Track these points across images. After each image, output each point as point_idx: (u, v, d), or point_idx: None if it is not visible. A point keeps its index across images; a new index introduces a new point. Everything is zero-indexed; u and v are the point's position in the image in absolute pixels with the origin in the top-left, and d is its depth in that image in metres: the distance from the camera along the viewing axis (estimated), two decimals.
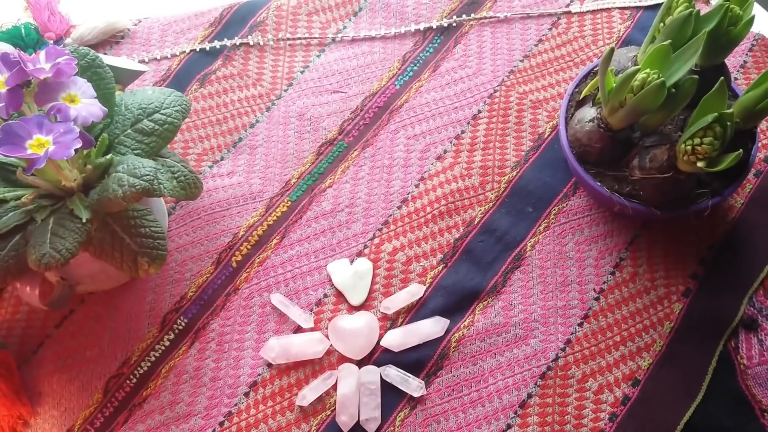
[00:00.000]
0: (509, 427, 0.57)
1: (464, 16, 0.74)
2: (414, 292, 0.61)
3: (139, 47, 0.73)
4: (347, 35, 0.74)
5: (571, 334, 0.60)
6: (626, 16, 0.74)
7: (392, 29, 0.74)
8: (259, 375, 0.59)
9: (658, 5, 0.74)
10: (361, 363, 0.59)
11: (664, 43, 0.52)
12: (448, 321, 0.60)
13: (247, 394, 0.59)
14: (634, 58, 0.59)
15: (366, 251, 0.64)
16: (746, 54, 0.72)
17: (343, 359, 0.59)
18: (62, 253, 0.46)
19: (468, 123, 0.69)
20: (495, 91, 0.71)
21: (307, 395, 0.57)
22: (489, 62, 0.72)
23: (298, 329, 0.61)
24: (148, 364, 0.60)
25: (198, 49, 0.72)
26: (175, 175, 0.53)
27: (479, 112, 0.70)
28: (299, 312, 0.60)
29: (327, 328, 0.60)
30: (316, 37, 0.73)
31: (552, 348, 0.60)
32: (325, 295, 0.62)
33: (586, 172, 0.58)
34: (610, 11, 0.74)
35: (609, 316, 0.61)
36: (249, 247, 0.64)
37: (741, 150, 0.50)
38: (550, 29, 0.74)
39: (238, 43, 0.73)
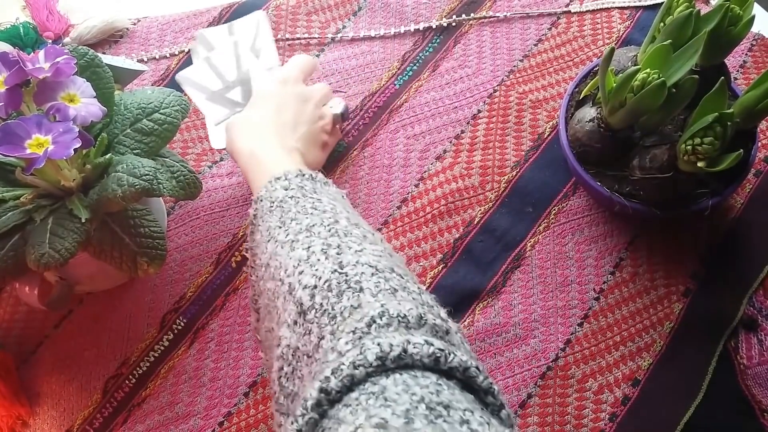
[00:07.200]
0: None
1: (464, 16, 0.74)
2: None
3: (138, 46, 0.72)
4: (346, 35, 0.73)
5: (571, 334, 0.60)
6: (626, 16, 0.74)
7: (392, 29, 0.74)
8: (258, 375, 0.59)
9: (658, 5, 0.74)
10: None
11: (664, 43, 0.52)
12: None
13: (246, 395, 0.58)
14: (634, 58, 0.59)
15: None
16: (746, 54, 0.72)
17: None
18: (61, 253, 0.46)
19: (468, 123, 0.69)
20: (495, 91, 0.70)
21: None
22: (489, 62, 0.72)
23: None
24: (147, 364, 0.59)
25: None
26: (175, 175, 0.53)
27: (479, 111, 0.70)
28: None
29: None
30: (315, 37, 0.73)
31: (552, 348, 0.60)
32: None
33: (586, 172, 0.58)
34: (609, 11, 0.74)
35: (609, 316, 0.61)
36: None
37: (741, 150, 0.50)
38: (549, 29, 0.74)
39: None
